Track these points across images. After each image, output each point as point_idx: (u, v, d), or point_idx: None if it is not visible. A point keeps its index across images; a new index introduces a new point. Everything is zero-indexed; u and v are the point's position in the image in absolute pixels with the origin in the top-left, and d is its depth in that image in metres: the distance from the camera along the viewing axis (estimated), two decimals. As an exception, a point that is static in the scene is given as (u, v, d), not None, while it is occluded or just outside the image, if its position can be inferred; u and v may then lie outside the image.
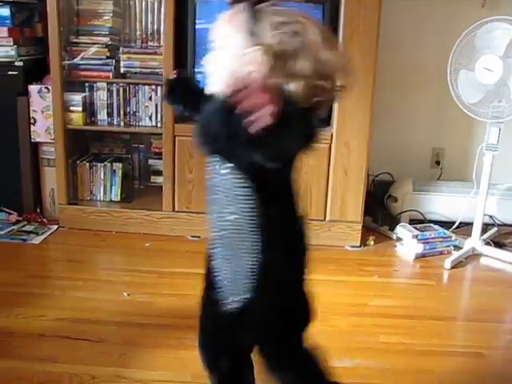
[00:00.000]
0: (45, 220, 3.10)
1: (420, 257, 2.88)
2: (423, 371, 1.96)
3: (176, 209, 2.96)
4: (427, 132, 3.47)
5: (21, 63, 2.97)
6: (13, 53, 2.96)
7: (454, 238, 2.99)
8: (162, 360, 1.96)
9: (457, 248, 2.95)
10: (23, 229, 3.00)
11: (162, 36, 2.86)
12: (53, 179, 3.08)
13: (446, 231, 3.01)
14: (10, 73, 2.97)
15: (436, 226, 3.04)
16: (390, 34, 3.03)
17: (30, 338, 2.04)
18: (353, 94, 2.71)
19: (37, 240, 2.91)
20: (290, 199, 1.35)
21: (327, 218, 2.93)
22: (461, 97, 2.76)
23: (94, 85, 2.99)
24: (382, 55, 2.82)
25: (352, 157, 2.84)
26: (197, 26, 2.76)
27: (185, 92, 1.53)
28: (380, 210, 3.25)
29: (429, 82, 3.31)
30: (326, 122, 2.88)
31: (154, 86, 2.94)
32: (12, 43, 2.95)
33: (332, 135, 2.83)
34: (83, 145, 3.23)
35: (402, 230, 3.00)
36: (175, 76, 1.57)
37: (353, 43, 2.71)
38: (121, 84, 2.97)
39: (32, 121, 3.02)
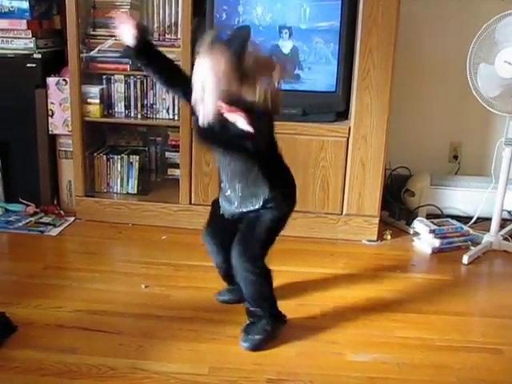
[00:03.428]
0: (62, 212, 3.12)
1: (437, 252, 2.86)
2: (440, 366, 1.95)
3: (193, 202, 2.96)
4: (445, 126, 3.43)
5: (39, 55, 2.99)
6: (31, 45, 2.98)
7: (471, 233, 2.97)
8: (179, 352, 1.96)
9: (474, 243, 2.92)
10: (41, 220, 3.02)
11: (179, 28, 2.86)
12: (70, 171, 3.09)
13: (463, 226, 2.98)
14: (28, 65, 2.98)
15: (453, 221, 3.02)
16: (409, 27, 3.01)
17: (48, 329, 2.06)
18: (371, 87, 2.75)
19: (54, 232, 2.93)
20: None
21: (344, 212, 2.92)
22: (480, 90, 2.73)
23: (112, 77, 3.00)
24: (401, 48, 2.80)
25: (370, 151, 2.83)
26: (214, 18, 2.76)
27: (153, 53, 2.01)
28: (397, 205, 3.24)
29: (448, 75, 3.28)
30: (344, 115, 2.87)
31: (171, 79, 2.94)
32: (31, 35, 2.97)
33: (350, 129, 2.81)
34: (100, 137, 3.24)
35: (419, 225, 2.98)
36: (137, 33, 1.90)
37: (371, 36, 2.69)
38: (138, 76, 2.98)
39: (50, 113, 3.04)
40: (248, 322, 2.07)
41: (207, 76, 1.74)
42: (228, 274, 2.11)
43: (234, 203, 2.00)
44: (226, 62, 1.72)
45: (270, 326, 2.04)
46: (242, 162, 1.92)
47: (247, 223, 1.99)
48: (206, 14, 2.74)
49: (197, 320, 2.14)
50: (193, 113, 1.87)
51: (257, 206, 1.96)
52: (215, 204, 2.11)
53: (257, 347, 2.00)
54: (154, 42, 2.88)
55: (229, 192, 2.01)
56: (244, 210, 1.98)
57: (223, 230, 2.07)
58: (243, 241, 1.97)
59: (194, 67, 1.79)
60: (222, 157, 1.98)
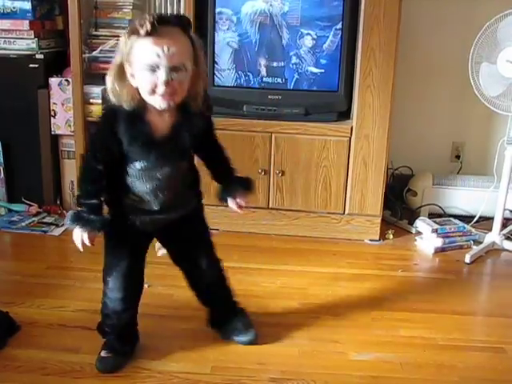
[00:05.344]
0: (65, 212, 3.12)
1: (439, 251, 2.86)
2: (443, 366, 1.95)
3: (195, 201, 2.96)
4: (447, 126, 3.43)
5: (41, 56, 2.99)
6: (34, 46, 2.98)
7: (473, 233, 2.96)
8: (182, 351, 1.96)
9: (477, 242, 2.92)
10: (43, 220, 3.03)
11: (181, 28, 2.86)
12: (72, 171, 3.10)
13: (465, 225, 2.98)
14: (30, 66, 2.99)
15: (456, 221, 3.01)
16: (411, 26, 3.02)
17: (51, 329, 2.06)
18: (373, 86, 2.75)
19: (57, 231, 2.94)
20: None
21: (346, 212, 2.92)
22: (482, 90, 2.73)
23: (114, 77, 3.00)
24: (403, 48, 2.80)
25: (372, 150, 2.83)
26: (216, 19, 2.76)
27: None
28: (399, 204, 3.24)
29: (450, 75, 3.28)
30: (346, 115, 2.87)
31: (173, 79, 2.94)
32: (33, 36, 2.97)
33: (352, 128, 2.81)
34: (103, 137, 3.24)
35: (422, 224, 2.98)
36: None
37: (373, 35, 2.69)
38: (140, 77, 2.97)
39: (52, 113, 3.04)
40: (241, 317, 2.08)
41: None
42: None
43: (167, 210, 1.86)
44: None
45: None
46: (186, 167, 1.87)
47: (193, 229, 1.99)
48: (208, 11, 2.74)
49: (199, 319, 2.14)
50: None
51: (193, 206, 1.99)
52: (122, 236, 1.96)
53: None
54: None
55: (160, 202, 1.83)
56: (183, 214, 1.92)
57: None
58: (206, 245, 2.03)
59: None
60: (170, 169, 1.78)
